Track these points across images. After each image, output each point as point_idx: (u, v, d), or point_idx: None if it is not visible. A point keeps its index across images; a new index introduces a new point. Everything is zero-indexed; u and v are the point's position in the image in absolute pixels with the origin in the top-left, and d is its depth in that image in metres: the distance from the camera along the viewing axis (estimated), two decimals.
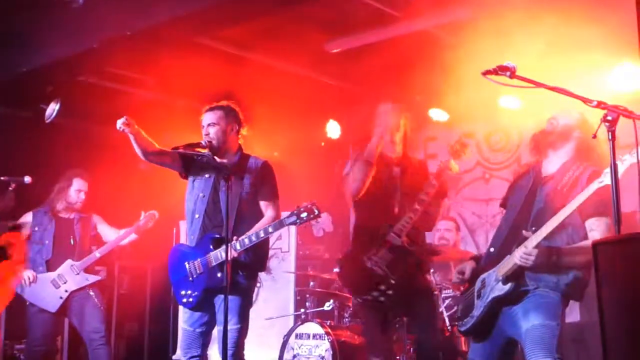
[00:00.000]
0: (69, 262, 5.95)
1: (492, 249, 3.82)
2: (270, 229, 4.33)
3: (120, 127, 4.44)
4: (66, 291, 5.92)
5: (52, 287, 5.90)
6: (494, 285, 3.59)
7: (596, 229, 3.48)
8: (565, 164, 3.72)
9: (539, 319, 3.46)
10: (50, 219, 6.09)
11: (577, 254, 3.47)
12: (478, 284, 3.73)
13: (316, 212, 4.24)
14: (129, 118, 4.47)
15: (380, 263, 4.44)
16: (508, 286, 3.52)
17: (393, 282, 4.36)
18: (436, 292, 4.43)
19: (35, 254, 6.03)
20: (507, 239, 3.71)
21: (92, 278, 6.02)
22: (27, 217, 6.14)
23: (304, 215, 4.24)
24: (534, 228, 3.49)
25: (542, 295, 3.52)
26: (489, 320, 3.66)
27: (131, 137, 4.53)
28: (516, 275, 3.52)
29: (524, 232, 3.50)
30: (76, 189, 6.12)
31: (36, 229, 6.07)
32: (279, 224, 4.33)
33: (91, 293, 6.00)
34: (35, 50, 6.19)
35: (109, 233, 6.24)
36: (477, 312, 3.68)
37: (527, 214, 3.68)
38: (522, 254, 3.42)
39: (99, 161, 6.63)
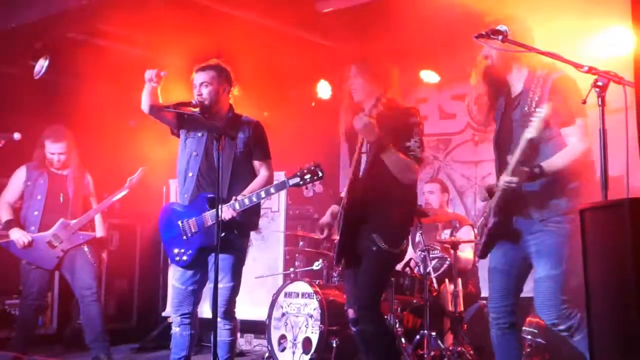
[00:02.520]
0: (62, 221, 5.95)
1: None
2: (272, 190, 4.36)
3: (149, 77, 4.43)
4: (62, 250, 5.94)
5: (48, 247, 5.91)
6: (490, 216, 3.73)
7: (573, 134, 3.56)
8: (526, 80, 3.73)
9: (545, 269, 3.56)
10: (42, 173, 6.07)
11: (558, 161, 3.54)
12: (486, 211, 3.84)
13: (320, 174, 4.25)
14: (159, 73, 4.46)
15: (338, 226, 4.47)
16: (492, 221, 3.69)
17: (334, 241, 4.43)
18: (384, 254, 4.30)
19: (27, 210, 6.02)
20: (500, 169, 3.79)
21: (87, 236, 6.04)
22: (21, 171, 6.11)
23: (307, 177, 4.24)
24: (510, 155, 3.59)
25: (550, 233, 3.58)
26: (492, 243, 3.79)
27: (148, 89, 4.53)
28: (504, 206, 3.63)
29: (508, 157, 3.59)
30: (50, 152, 6.06)
31: (29, 183, 6.05)
32: (281, 184, 4.34)
33: (85, 249, 6.02)
34: (24, 6, 6.11)
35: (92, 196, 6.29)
36: (482, 239, 3.83)
37: (509, 141, 3.72)
38: (503, 182, 3.54)
39: (88, 118, 6.59)
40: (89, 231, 6.11)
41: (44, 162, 6.09)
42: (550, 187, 3.57)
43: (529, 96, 3.65)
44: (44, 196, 6.00)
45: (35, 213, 5.98)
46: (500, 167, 3.74)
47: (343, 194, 4.54)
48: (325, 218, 4.57)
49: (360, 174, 4.28)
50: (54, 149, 6.06)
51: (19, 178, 6.10)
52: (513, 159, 3.53)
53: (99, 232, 6.22)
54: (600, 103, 2.96)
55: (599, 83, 2.96)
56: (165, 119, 4.74)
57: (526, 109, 3.61)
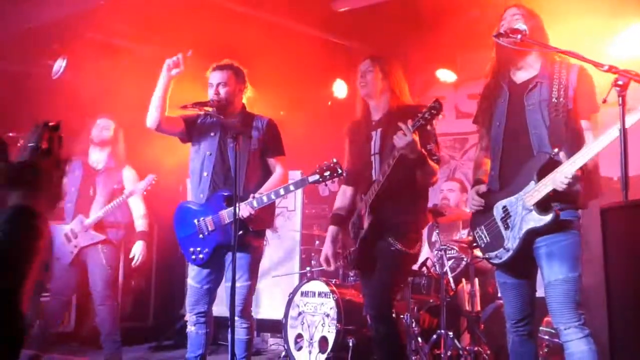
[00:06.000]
0: (79, 217, 5.96)
1: (492, 172, 3.69)
2: (291, 187, 4.36)
3: (173, 62, 4.43)
4: (76, 246, 5.93)
5: (65, 240, 5.94)
6: (525, 215, 3.40)
7: (589, 129, 3.42)
8: (544, 64, 3.57)
9: (562, 271, 3.36)
10: (78, 165, 6.07)
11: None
12: (500, 212, 3.54)
13: (339, 171, 4.22)
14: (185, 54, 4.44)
15: (351, 228, 4.44)
16: (549, 217, 3.32)
17: (352, 248, 4.34)
18: (406, 255, 4.27)
19: (65, 202, 6.05)
20: (509, 159, 3.59)
21: (97, 237, 5.93)
22: (69, 167, 6.17)
23: (327, 173, 4.23)
24: (556, 150, 3.34)
25: (563, 233, 3.39)
26: (526, 252, 3.47)
27: (163, 85, 4.53)
28: (549, 202, 3.34)
29: (556, 152, 3.33)
30: (101, 126, 6.08)
31: (69, 175, 6.07)
32: (301, 182, 4.34)
33: (99, 250, 5.94)
34: (42, 7, 6.15)
35: (129, 185, 6.11)
36: (512, 244, 3.48)
37: (523, 127, 3.52)
38: (563, 180, 3.21)
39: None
40: (104, 233, 6.04)
41: (84, 153, 6.12)
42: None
43: (554, 79, 3.47)
44: (77, 188, 6.02)
45: (69, 205, 6.00)
46: (507, 162, 3.58)
47: (337, 207, 4.56)
48: (329, 248, 4.49)
49: (375, 176, 4.26)
50: (106, 124, 6.08)
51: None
52: (540, 190, 3.33)
53: (139, 227, 6.12)
54: (620, 102, 2.93)
55: (620, 82, 2.94)
56: (174, 131, 4.79)
57: (555, 93, 3.43)
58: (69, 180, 6.04)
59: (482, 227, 3.68)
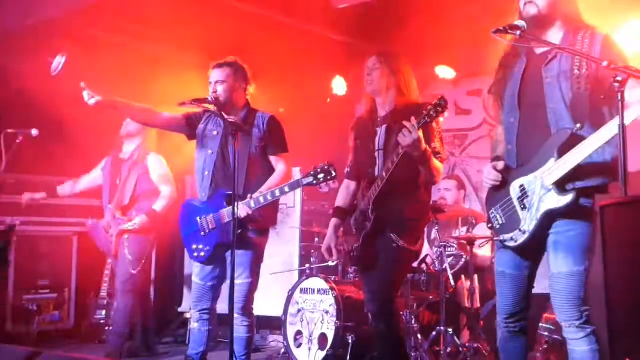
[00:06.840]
0: (108, 207, 6.02)
1: (509, 146, 3.49)
2: (286, 189, 4.35)
3: (90, 102, 4.41)
4: (112, 236, 5.97)
5: (104, 233, 6.02)
6: (543, 194, 3.23)
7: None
8: (566, 35, 3.38)
9: (567, 264, 3.23)
10: (110, 161, 6.20)
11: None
12: (517, 191, 3.37)
13: (333, 173, 4.25)
14: (87, 89, 4.43)
15: (353, 224, 4.43)
16: (570, 198, 3.16)
17: (355, 245, 4.30)
18: (405, 252, 4.22)
19: (103, 197, 6.16)
20: (526, 133, 3.41)
21: (122, 221, 5.96)
22: (104, 160, 6.29)
23: (321, 176, 4.25)
24: (578, 125, 3.18)
25: (574, 221, 3.24)
26: (540, 237, 3.32)
27: (117, 109, 4.59)
28: (570, 180, 3.18)
29: (579, 127, 3.17)
30: (127, 121, 6.12)
31: (103, 171, 6.23)
32: (295, 183, 4.34)
33: (127, 243, 5.98)
34: (43, 3, 6.13)
35: (154, 176, 6.13)
36: (528, 226, 3.30)
37: (540, 98, 3.35)
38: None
39: (107, 115, 6.61)
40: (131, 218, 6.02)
41: (120, 146, 6.22)
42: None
43: (575, 49, 3.28)
44: (107, 181, 6.13)
45: (105, 198, 6.11)
46: (524, 136, 3.40)
47: (340, 201, 4.56)
48: (332, 240, 4.48)
49: (377, 172, 4.25)
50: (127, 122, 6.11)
51: (99, 165, 6.30)
52: (561, 168, 3.17)
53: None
54: (619, 98, 2.90)
55: (619, 78, 2.91)
56: (171, 127, 4.79)
57: (577, 64, 3.25)
58: (103, 176, 6.18)
59: (498, 207, 3.50)
